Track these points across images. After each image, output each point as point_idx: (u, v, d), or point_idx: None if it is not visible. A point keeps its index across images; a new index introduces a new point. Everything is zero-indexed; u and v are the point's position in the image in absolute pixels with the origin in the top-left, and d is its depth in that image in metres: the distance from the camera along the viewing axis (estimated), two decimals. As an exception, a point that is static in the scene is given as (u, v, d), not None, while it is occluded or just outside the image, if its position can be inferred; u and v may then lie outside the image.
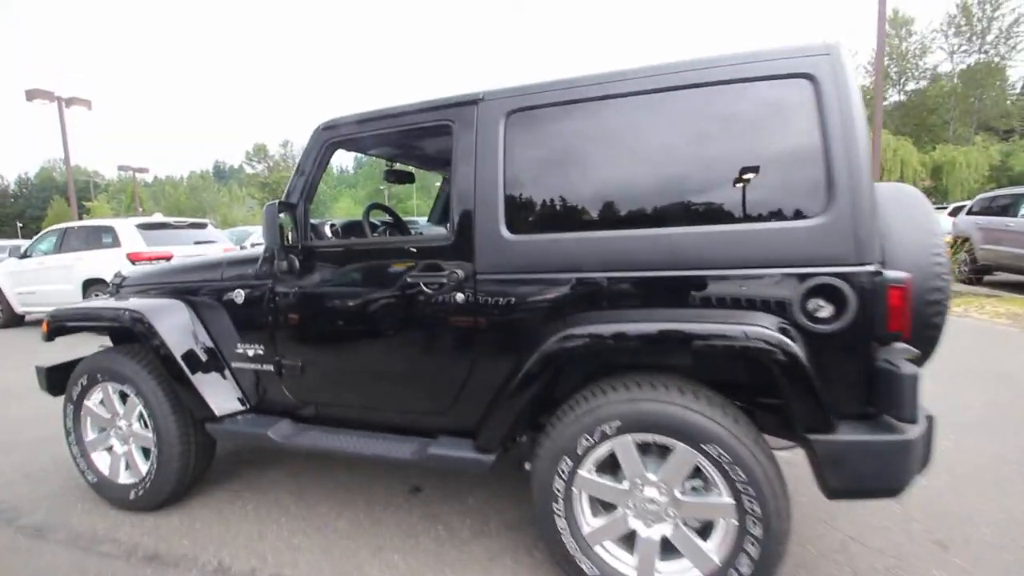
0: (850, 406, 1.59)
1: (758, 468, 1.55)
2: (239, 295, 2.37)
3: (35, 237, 8.76)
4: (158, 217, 8.70)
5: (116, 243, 7.53)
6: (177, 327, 2.40)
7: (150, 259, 7.33)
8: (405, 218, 3.39)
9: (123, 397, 2.55)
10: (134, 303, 2.50)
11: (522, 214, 1.88)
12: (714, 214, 1.66)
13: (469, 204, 1.92)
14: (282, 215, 2.16)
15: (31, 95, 16.23)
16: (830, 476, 1.56)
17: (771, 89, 1.61)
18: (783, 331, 1.53)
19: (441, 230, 3.51)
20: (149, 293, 2.69)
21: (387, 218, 3.11)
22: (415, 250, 2.06)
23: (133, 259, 7.31)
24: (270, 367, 2.33)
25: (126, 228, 7.65)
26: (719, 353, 1.60)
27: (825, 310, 1.56)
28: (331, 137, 2.21)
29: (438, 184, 3.55)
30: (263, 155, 61.22)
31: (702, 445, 1.59)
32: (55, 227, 8.49)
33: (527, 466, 2.07)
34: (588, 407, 1.72)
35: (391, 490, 2.67)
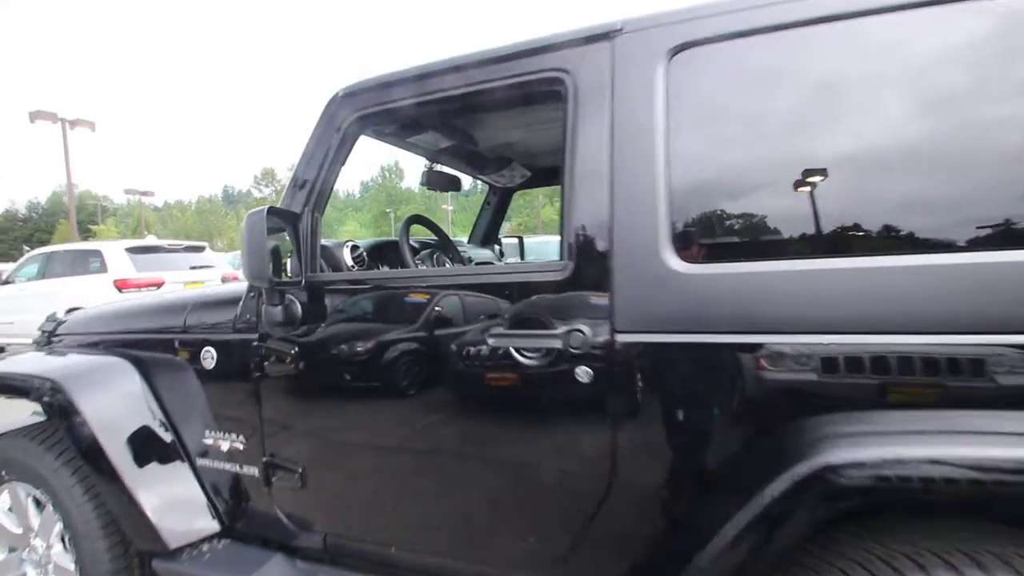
0: None
1: None
2: (209, 356, 1.53)
3: (18, 262, 8.05)
4: (151, 239, 8.01)
5: (103, 268, 6.82)
6: (113, 401, 1.56)
7: (139, 286, 6.61)
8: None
9: (40, 504, 1.71)
10: (53, 363, 1.68)
11: (707, 228, 1.05)
12: None
13: (600, 212, 1.10)
14: (274, 237, 1.33)
15: (34, 116, 16.07)
16: None
17: None
18: None
19: (489, 256, 2.69)
20: (88, 345, 1.86)
21: (430, 236, 2.21)
22: (498, 289, 1.24)
23: (120, 286, 6.59)
24: (254, 471, 1.48)
25: (114, 252, 6.94)
26: None
27: None
28: (358, 110, 1.39)
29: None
30: (271, 179, 61.22)
31: None
32: (38, 251, 7.79)
33: None
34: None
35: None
